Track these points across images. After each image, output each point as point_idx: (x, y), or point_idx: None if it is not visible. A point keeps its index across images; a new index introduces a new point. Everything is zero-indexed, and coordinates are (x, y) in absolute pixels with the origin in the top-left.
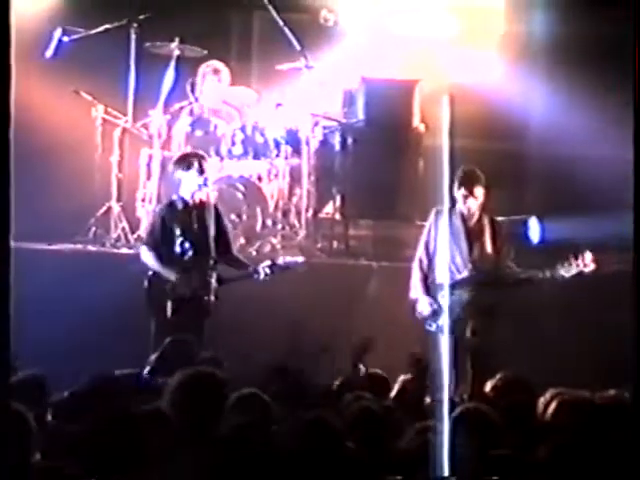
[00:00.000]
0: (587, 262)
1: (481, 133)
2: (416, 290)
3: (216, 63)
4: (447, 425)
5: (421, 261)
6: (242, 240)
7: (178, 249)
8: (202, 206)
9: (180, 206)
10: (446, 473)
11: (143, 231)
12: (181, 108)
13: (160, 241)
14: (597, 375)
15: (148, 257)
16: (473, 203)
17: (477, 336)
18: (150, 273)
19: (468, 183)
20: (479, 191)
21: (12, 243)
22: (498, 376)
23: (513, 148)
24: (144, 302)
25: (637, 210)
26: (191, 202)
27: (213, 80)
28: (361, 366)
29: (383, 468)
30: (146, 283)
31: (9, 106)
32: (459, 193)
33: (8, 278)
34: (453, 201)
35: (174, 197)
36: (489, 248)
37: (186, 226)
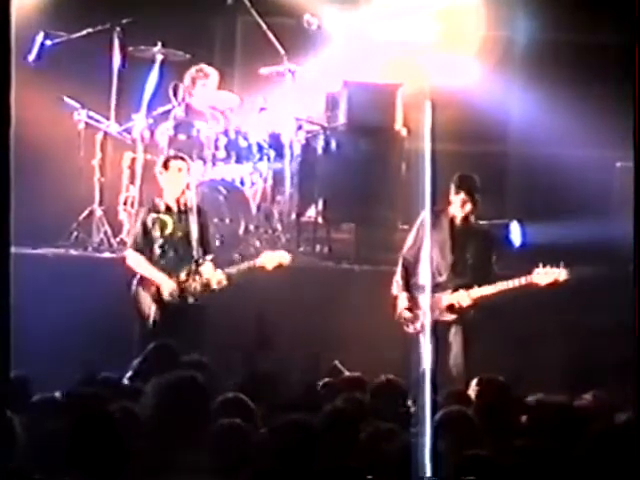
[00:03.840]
0: (561, 270)
1: (463, 136)
2: (397, 286)
3: (205, 67)
4: (429, 427)
5: (405, 258)
6: (224, 243)
7: (160, 252)
8: (185, 209)
9: (163, 209)
10: (428, 474)
11: (126, 235)
12: (164, 112)
13: (144, 244)
14: (577, 378)
15: (134, 260)
16: (469, 207)
17: (458, 338)
18: (137, 277)
19: (468, 188)
20: (477, 196)
21: (13, 249)
22: (478, 378)
23: (495, 151)
24: (128, 306)
25: (637, 212)
26: (174, 205)
27: (202, 84)
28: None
29: (365, 470)
30: (133, 287)
31: (9, 113)
32: (457, 197)
33: (8, 283)
34: (439, 204)
35: (157, 200)
36: (474, 251)
37: (169, 229)
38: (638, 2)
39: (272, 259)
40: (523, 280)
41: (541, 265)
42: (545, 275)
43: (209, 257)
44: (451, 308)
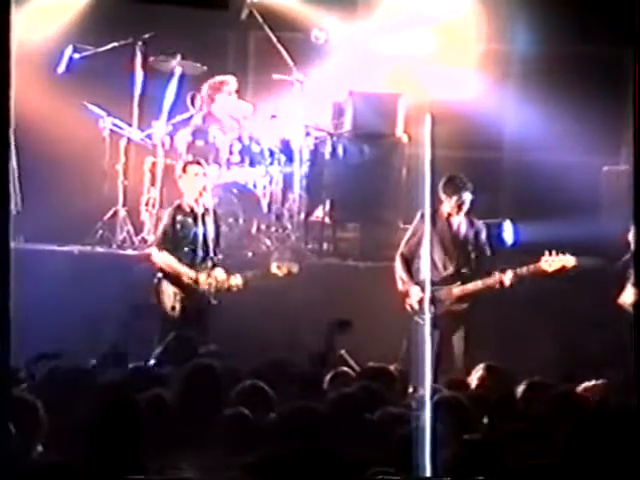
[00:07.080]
0: (568, 257)
1: (460, 143)
2: (403, 282)
3: (229, 77)
4: (429, 412)
5: (403, 255)
6: (239, 242)
7: (185, 250)
8: (203, 211)
9: (186, 210)
10: (427, 460)
11: (147, 233)
12: (182, 119)
13: (171, 243)
14: (571, 367)
15: (160, 257)
16: (462, 204)
17: (461, 329)
18: (159, 274)
19: (458, 187)
20: (467, 193)
21: (12, 244)
22: (479, 366)
23: (490, 157)
24: (149, 299)
25: (637, 213)
26: (195, 207)
27: (226, 93)
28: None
29: (367, 458)
30: (155, 281)
31: (9, 112)
32: (449, 196)
33: (8, 276)
34: (435, 205)
35: (180, 202)
36: (474, 245)
37: (192, 229)
38: (639, 14)
39: (282, 269)
40: (532, 267)
41: (547, 253)
42: (553, 262)
43: (220, 256)
44: (461, 298)
